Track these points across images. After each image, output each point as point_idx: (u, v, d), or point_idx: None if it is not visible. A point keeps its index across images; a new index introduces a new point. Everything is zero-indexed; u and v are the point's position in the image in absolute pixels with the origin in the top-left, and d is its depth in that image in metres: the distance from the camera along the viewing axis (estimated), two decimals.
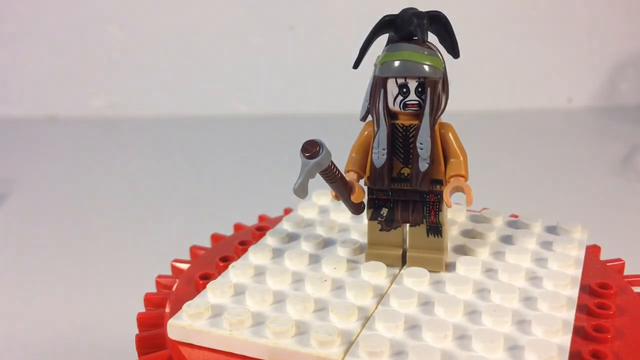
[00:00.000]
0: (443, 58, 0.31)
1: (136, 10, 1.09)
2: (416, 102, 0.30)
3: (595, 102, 1.17)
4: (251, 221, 0.43)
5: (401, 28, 0.30)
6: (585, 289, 0.32)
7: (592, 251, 0.38)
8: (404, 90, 0.30)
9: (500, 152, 0.92)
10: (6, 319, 0.54)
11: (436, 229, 0.32)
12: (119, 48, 1.10)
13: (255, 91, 1.13)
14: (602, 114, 1.13)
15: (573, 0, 1.13)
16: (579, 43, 1.15)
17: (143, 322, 0.32)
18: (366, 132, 0.32)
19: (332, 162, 0.29)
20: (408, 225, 0.33)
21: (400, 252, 0.33)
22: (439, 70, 0.30)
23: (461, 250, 0.35)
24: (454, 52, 0.31)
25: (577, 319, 0.29)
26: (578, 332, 0.28)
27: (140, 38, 1.09)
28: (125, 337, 0.31)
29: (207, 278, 0.34)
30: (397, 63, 0.30)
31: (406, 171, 0.32)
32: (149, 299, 0.35)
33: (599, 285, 0.32)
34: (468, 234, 0.37)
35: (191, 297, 0.31)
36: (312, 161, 0.28)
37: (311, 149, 0.28)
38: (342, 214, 0.39)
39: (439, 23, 0.30)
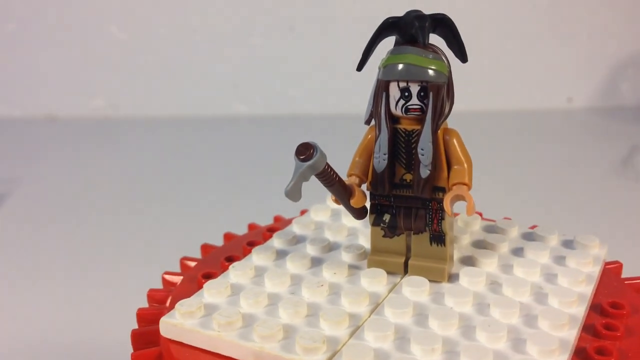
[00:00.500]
0: (449, 62, 0.30)
1: (136, 11, 1.09)
2: (418, 106, 0.29)
3: (595, 102, 1.16)
4: (246, 219, 0.43)
5: (404, 31, 0.29)
6: (597, 307, 0.31)
7: (613, 268, 0.36)
8: (406, 94, 0.29)
9: (500, 152, 0.91)
10: (6, 319, 0.55)
11: (439, 238, 0.31)
12: (119, 48, 1.10)
13: (255, 91, 1.12)
14: (602, 114, 1.12)
15: (573, 0, 1.12)
16: (579, 43, 1.14)
17: (142, 317, 0.33)
18: (369, 136, 0.32)
19: (328, 165, 0.29)
20: (412, 232, 0.32)
21: (402, 259, 0.32)
22: (443, 75, 0.29)
23: (468, 261, 0.34)
24: (462, 56, 0.30)
25: (581, 339, 0.28)
26: (579, 353, 0.27)
27: (140, 38, 1.10)
28: (126, 337, 0.31)
29: (209, 277, 0.34)
30: (399, 66, 0.29)
31: (408, 177, 0.31)
32: (152, 296, 0.35)
33: (611, 305, 0.30)
34: (479, 244, 0.35)
35: (191, 295, 0.31)
36: (306, 164, 0.28)
37: (305, 151, 0.28)
38: (353, 218, 0.39)
39: (444, 26, 0.29)
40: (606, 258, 0.35)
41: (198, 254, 0.40)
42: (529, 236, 0.36)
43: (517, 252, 0.35)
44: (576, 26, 1.13)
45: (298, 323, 0.28)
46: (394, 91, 0.30)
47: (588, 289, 0.31)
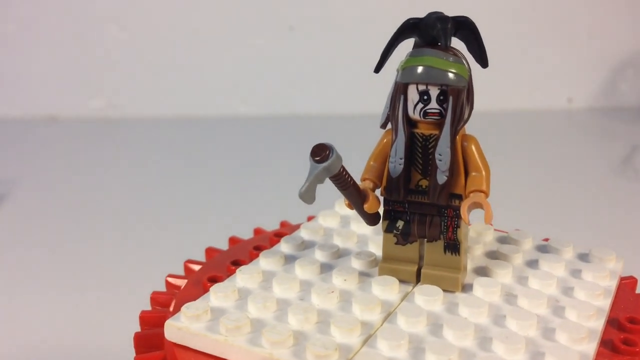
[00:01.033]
0: (469, 66, 0.29)
1: (136, 10, 1.09)
2: (437, 110, 0.29)
3: (595, 102, 1.16)
4: (250, 223, 0.42)
5: (425, 33, 0.28)
6: (614, 322, 0.30)
7: (628, 283, 0.35)
8: (425, 97, 0.29)
9: (499, 153, 0.90)
10: (6, 320, 0.54)
11: (454, 247, 0.30)
12: (119, 48, 1.10)
13: (255, 91, 1.12)
14: (602, 114, 1.12)
15: (573, 0, 1.12)
16: (579, 43, 1.14)
17: (145, 320, 0.32)
18: (385, 140, 0.31)
19: (343, 167, 0.28)
20: (426, 240, 0.31)
21: (415, 268, 0.31)
22: (463, 79, 0.28)
23: (482, 271, 0.33)
24: (482, 60, 0.29)
25: (599, 354, 0.27)
26: None
27: (140, 38, 1.10)
28: (129, 340, 0.30)
29: (214, 280, 0.33)
30: (419, 69, 0.28)
31: (424, 183, 0.30)
32: (155, 298, 0.34)
33: (629, 320, 0.30)
34: (492, 255, 0.35)
35: (196, 299, 0.30)
36: (321, 165, 0.27)
37: (320, 152, 0.27)
38: (363, 225, 0.38)
39: (466, 29, 0.29)
40: (622, 272, 0.35)
41: (201, 257, 0.39)
42: (543, 248, 0.36)
43: (532, 264, 0.34)
44: (576, 26, 1.14)
45: (308, 329, 0.27)
46: (413, 94, 0.29)
47: (606, 303, 0.30)
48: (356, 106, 1.06)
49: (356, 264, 0.33)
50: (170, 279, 0.36)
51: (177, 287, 0.35)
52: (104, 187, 0.83)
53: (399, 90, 0.29)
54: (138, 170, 0.88)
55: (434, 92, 0.28)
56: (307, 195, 0.27)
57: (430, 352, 0.25)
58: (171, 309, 0.32)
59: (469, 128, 0.30)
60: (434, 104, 0.29)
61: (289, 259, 0.34)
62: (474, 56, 0.29)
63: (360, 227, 0.38)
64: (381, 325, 0.28)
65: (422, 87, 0.29)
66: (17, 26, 1.08)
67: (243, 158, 0.93)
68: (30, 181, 0.84)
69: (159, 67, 1.11)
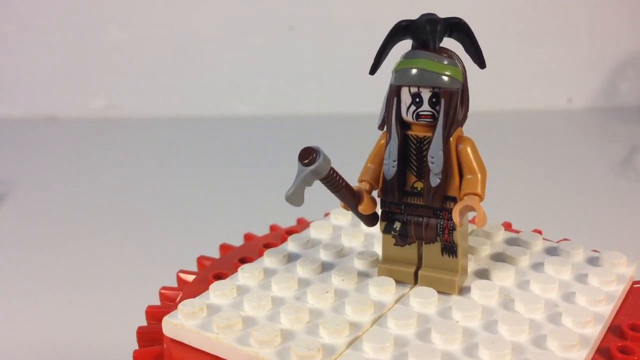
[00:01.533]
0: (464, 68, 0.29)
1: (136, 11, 1.09)
2: (429, 113, 0.28)
3: (595, 102, 1.14)
4: (262, 221, 0.42)
5: (416, 35, 0.28)
6: (616, 329, 0.29)
7: None
8: (417, 99, 0.28)
9: (499, 153, 0.90)
10: (6, 320, 0.55)
11: (451, 249, 0.30)
12: (119, 48, 1.10)
13: (255, 91, 1.12)
14: (602, 114, 1.10)
15: (573, 0, 1.10)
16: (579, 43, 1.12)
17: (151, 315, 0.33)
18: (382, 142, 0.31)
19: (333, 170, 0.28)
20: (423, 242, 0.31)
21: (413, 269, 0.31)
22: (456, 81, 0.28)
23: (484, 274, 0.32)
24: (479, 61, 0.29)
25: None
26: None
27: (140, 38, 1.10)
28: (129, 339, 0.31)
29: (219, 277, 0.34)
30: (411, 71, 0.28)
31: (419, 185, 0.30)
32: (164, 294, 0.35)
33: (630, 327, 0.29)
34: (497, 257, 0.34)
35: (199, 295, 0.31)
36: (308, 169, 0.27)
37: (307, 155, 0.27)
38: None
39: (460, 30, 0.28)
40: (634, 276, 0.34)
41: (216, 254, 0.40)
42: (552, 251, 0.35)
43: (537, 267, 0.33)
44: (576, 26, 1.11)
45: (298, 330, 0.28)
46: (405, 96, 0.29)
47: (607, 309, 0.29)
48: (356, 106, 1.06)
49: (357, 264, 0.33)
50: (181, 275, 0.37)
51: (187, 283, 0.36)
52: (104, 187, 0.84)
53: (393, 93, 0.29)
54: (138, 170, 0.89)
55: (425, 94, 0.28)
56: (294, 198, 0.28)
57: (412, 356, 0.26)
58: (176, 304, 0.33)
59: (468, 128, 0.30)
60: (426, 107, 0.28)
61: (292, 258, 0.34)
62: (471, 57, 0.29)
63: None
64: (370, 327, 0.28)
65: (414, 90, 0.28)
66: (17, 26, 1.09)
67: (243, 158, 0.93)
68: (30, 181, 0.85)
69: (159, 67, 1.11)
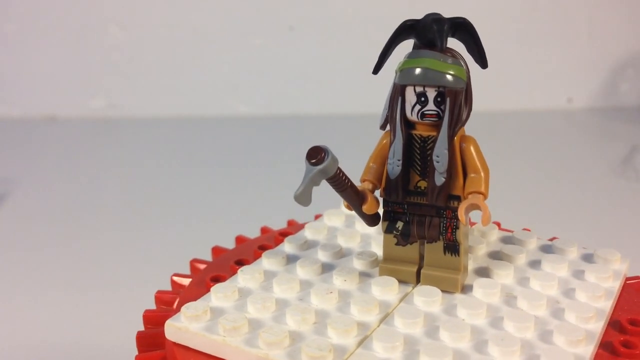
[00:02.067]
0: (468, 67, 0.29)
1: (136, 11, 1.09)
2: (435, 112, 0.29)
3: (595, 102, 1.16)
4: (252, 223, 0.42)
5: (422, 34, 0.28)
6: (616, 324, 0.30)
7: (634, 284, 0.35)
8: (422, 99, 0.28)
9: (499, 153, 0.90)
10: (5, 320, 0.54)
11: (453, 247, 0.30)
12: (119, 48, 1.10)
13: (255, 91, 1.12)
14: (602, 114, 1.12)
15: (573, 0, 1.12)
16: (579, 43, 1.14)
17: (149, 319, 0.32)
18: (384, 141, 0.31)
19: (339, 169, 0.28)
20: (425, 241, 0.31)
21: (415, 268, 0.31)
22: (461, 80, 0.28)
23: (483, 272, 0.33)
24: (482, 61, 0.29)
25: (597, 356, 0.27)
26: None
27: (140, 38, 1.10)
28: (129, 340, 0.30)
29: (217, 280, 0.33)
30: (416, 70, 0.28)
31: (423, 184, 0.30)
32: (159, 297, 0.34)
33: (629, 322, 0.29)
34: (495, 255, 0.35)
35: (198, 298, 0.31)
36: (317, 168, 0.27)
37: (315, 155, 0.27)
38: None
39: (464, 30, 0.28)
40: (627, 273, 0.34)
41: (208, 256, 0.39)
42: (547, 248, 0.35)
43: (535, 264, 0.34)
44: (576, 26, 1.13)
45: (305, 330, 0.28)
46: (410, 96, 0.29)
47: (607, 305, 0.30)
48: (356, 106, 1.06)
49: (357, 264, 0.33)
50: (175, 278, 0.37)
51: (182, 287, 0.36)
52: (104, 187, 0.83)
53: (397, 92, 0.29)
54: (138, 170, 0.89)
55: (431, 93, 0.28)
56: (303, 197, 0.27)
57: (424, 354, 0.26)
58: (174, 308, 0.32)
59: (469, 128, 0.30)
60: (431, 106, 0.29)
61: (291, 259, 0.34)
62: (473, 57, 0.29)
63: (364, 226, 0.38)
64: (378, 326, 0.28)
65: (419, 89, 0.29)
66: (17, 26, 1.09)
67: (243, 158, 0.93)
68: (30, 181, 0.84)
69: (159, 67, 1.11)
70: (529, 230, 0.39)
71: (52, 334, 0.52)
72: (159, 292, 0.35)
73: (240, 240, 0.41)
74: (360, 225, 0.38)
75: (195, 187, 0.82)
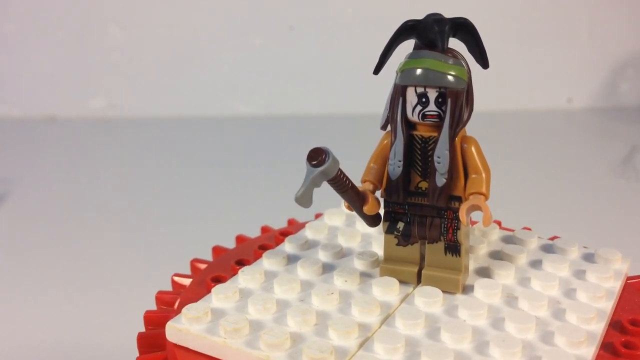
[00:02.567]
0: (469, 68, 0.29)
1: (136, 11, 1.09)
2: (436, 113, 0.29)
3: (595, 102, 1.16)
4: (252, 222, 0.42)
5: (423, 35, 0.28)
6: (617, 325, 0.30)
7: (635, 283, 0.35)
8: (423, 100, 0.28)
9: (499, 153, 0.90)
10: (5, 320, 0.54)
11: (454, 248, 0.30)
12: (119, 48, 1.10)
13: (255, 91, 1.12)
14: (602, 114, 1.12)
15: (573, 0, 1.12)
16: (579, 43, 1.14)
17: (150, 320, 0.32)
18: (385, 142, 0.31)
19: (340, 171, 0.28)
20: (426, 241, 0.31)
21: (416, 269, 0.31)
22: (462, 81, 0.28)
23: (484, 272, 0.33)
24: (483, 61, 0.29)
25: (599, 357, 0.27)
26: None
27: (140, 38, 1.09)
28: (129, 340, 0.30)
29: (218, 281, 0.33)
30: (417, 71, 0.28)
31: (424, 185, 0.30)
32: (160, 298, 0.34)
33: (631, 322, 0.29)
34: (496, 255, 0.34)
35: (199, 299, 0.31)
36: (317, 170, 0.27)
37: (316, 156, 0.27)
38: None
39: (465, 30, 0.28)
40: (628, 273, 0.34)
41: (208, 256, 0.39)
42: (548, 248, 0.35)
43: (535, 264, 0.33)
44: (576, 26, 1.13)
45: (306, 332, 0.28)
46: (411, 96, 0.29)
47: (608, 305, 0.30)
48: (356, 106, 1.06)
49: (358, 265, 0.33)
50: (176, 278, 0.36)
51: (183, 287, 0.36)
52: (104, 187, 0.83)
53: (398, 93, 0.29)
54: (138, 170, 0.89)
55: (432, 94, 0.28)
56: (304, 199, 0.27)
57: (425, 355, 0.26)
58: (175, 308, 0.32)
59: (469, 128, 0.30)
60: (432, 107, 0.29)
61: (292, 259, 0.34)
62: (474, 57, 0.29)
63: (364, 226, 0.38)
64: (379, 327, 0.28)
65: (420, 90, 0.28)
66: (17, 26, 1.08)
67: (243, 158, 0.93)
68: (30, 181, 0.84)
69: (159, 67, 1.11)
70: (530, 230, 0.39)
71: (52, 334, 0.52)
72: (159, 292, 0.35)
73: (240, 239, 0.41)
74: (361, 225, 0.38)
75: (196, 187, 0.82)
